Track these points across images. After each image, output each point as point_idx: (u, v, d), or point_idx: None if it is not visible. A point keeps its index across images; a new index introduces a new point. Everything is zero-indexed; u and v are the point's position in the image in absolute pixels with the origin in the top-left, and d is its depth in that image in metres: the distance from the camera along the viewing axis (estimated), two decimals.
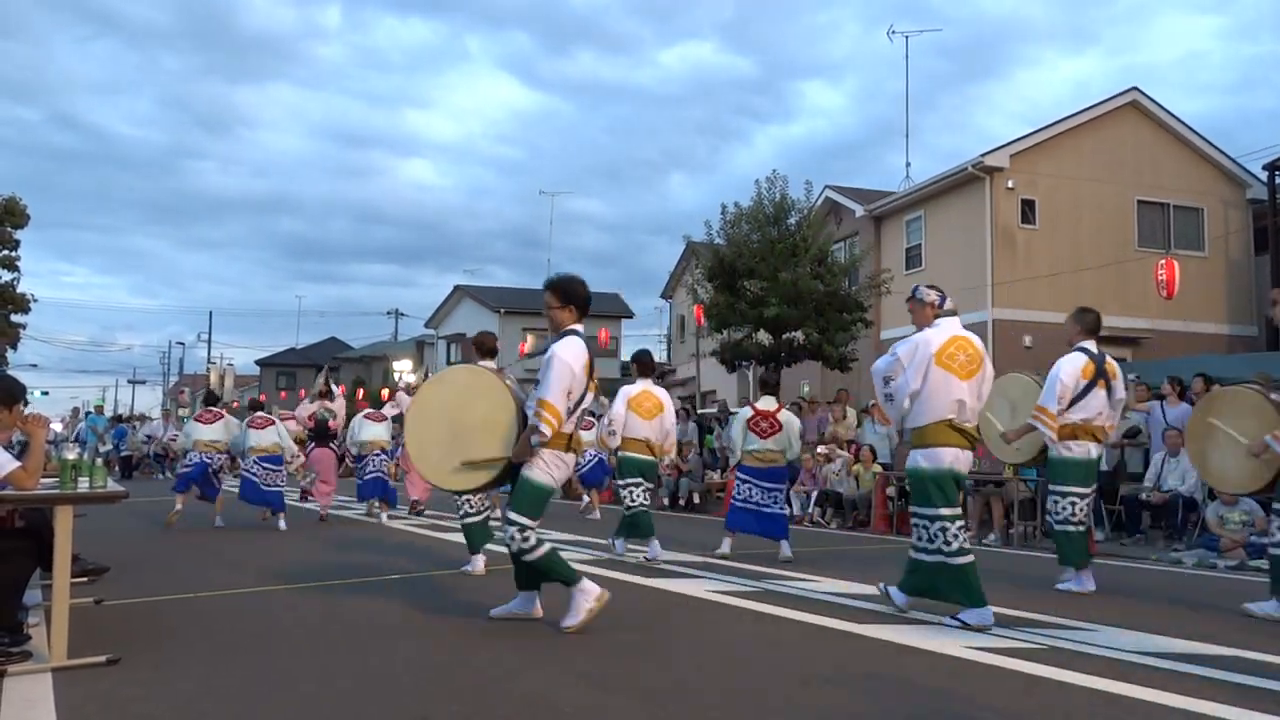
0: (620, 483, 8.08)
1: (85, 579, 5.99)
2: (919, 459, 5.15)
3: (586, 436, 10.94)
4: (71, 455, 4.31)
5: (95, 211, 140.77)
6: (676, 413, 17.98)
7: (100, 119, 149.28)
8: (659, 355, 38.23)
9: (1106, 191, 19.50)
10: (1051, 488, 6.62)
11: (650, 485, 8.09)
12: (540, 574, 4.85)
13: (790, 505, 12.74)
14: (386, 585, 6.31)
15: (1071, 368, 6.40)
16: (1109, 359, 6.58)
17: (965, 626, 4.84)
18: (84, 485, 4.31)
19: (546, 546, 4.75)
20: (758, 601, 5.66)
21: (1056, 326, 18.27)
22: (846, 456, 12.52)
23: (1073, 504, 6.40)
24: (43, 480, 4.35)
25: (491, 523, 6.98)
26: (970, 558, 5.01)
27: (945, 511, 5.03)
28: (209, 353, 50.49)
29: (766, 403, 8.48)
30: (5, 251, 26.92)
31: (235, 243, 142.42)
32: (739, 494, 8.33)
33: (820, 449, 13.02)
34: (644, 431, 7.91)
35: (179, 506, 10.77)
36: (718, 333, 19.31)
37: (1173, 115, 20.24)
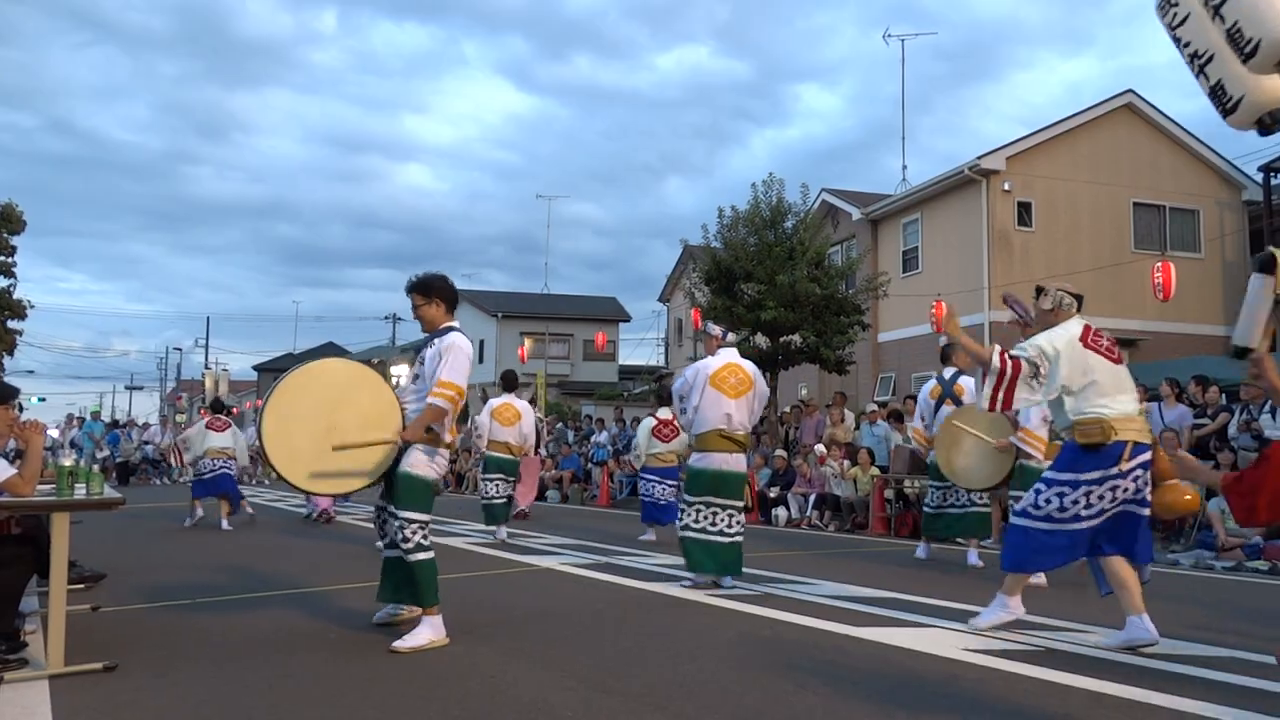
0: (483, 476, 9.90)
1: (82, 586, 5.99)
2: (697, 460, 6.40)
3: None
4: (68, 462, 4.31)
5: (92, 217, 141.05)
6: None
7: (96, 125, 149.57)
8: (656, 359, 38.32)
9: (1102, 194, 19.53)
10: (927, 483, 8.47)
11: (511, 479, 9.89)
12: (410, 581, 4.55)
13: (789, 508, 12.83)
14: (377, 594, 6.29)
15: (923, 393, 8.36)
16: (960, 381, 7.86)
17: (695, 586, 6.25)
18: (80, 492, 4.31)
19: (432, 554, 4.55)
20: (756, 604, 5.67)
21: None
22: (839, 464, 12.53)
23: (931, 493, 8.16)
24: (39, 487, 4.35)
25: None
26: (735, 540, 6.28)
27: (703, 502, 6.30)
28: (206, 358, 50.53)
29: (665, 413, 10.05)
30: (1, 257, 26.89)
31: (232, 248, 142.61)
32: (648, 492, 10.00)
33: (818, 448, 13.03)
34: (504, 436, 9.75)
35: (199, 513, 11.32)
36: None
37: (1168, 117, 20.28)
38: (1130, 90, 20.15)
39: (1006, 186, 18.94)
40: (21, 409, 4.83)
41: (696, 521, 6.31)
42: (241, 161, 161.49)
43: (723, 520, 6.29)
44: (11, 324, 27.38)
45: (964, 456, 7.52)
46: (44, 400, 42.44)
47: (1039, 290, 4.87)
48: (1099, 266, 18.67)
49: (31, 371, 45.74)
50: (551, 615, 5.42)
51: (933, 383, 8.20)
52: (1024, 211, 19.16)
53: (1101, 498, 4.43)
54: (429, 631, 4.44)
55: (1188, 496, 4.76)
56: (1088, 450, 4.46)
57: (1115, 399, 4.47)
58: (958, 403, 7.82)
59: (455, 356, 4.61)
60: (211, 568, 7.50)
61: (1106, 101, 19.99)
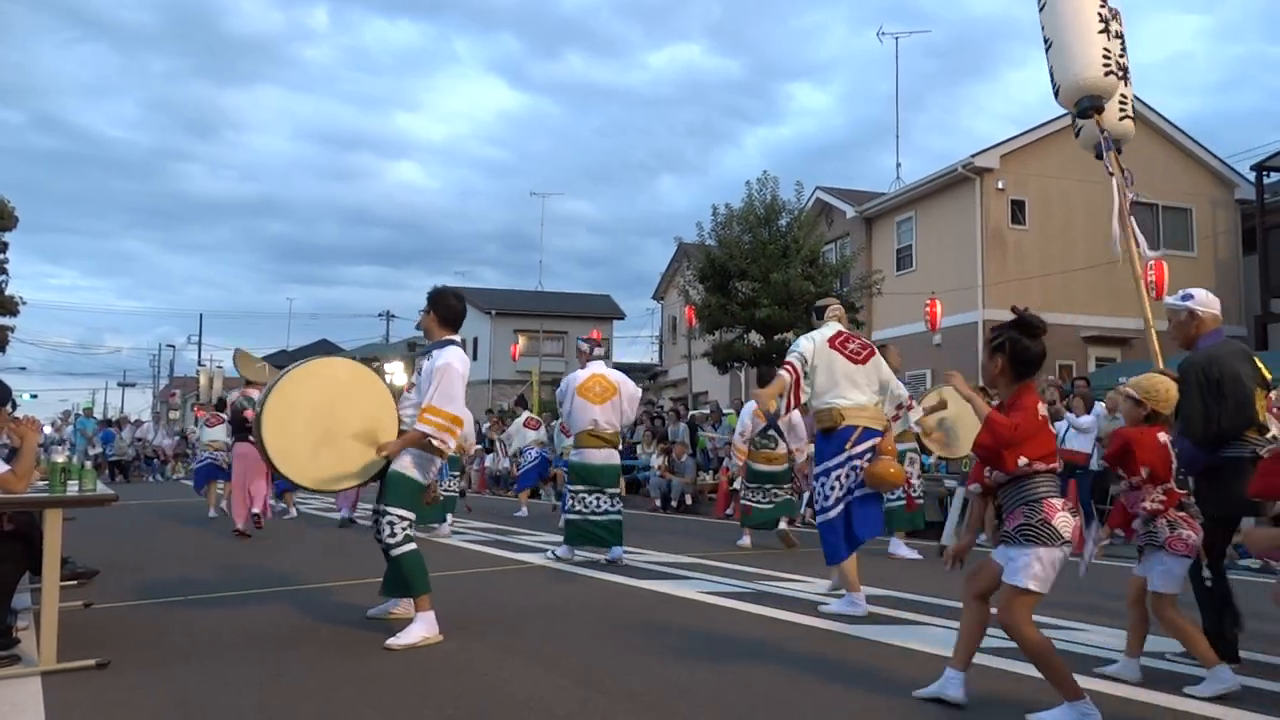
0: None
1: (74, 582, 5.96)
2: (573, 456, 7.90)
3: (531, 435, 14.37)
4: (61, 458, 4.29)
5: (83, 214, 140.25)
6: (668, 414, 18.17)
7: (87, 122, 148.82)
8: (651, 357, 38.30)
9: (1096, 192, 19.40)
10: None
11: (454, 475, 11.12)
12: (398, 575, 4.66)
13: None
14: (379, 588, 6.28)
15: (746, 412, 9.67)
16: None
17: (558, 559, 7.60)
18: (73, 488, 4.29)
19: (414, 546, 4.64)
20: (750, 603, 5.67)
21: (1048, 328, 18.46)
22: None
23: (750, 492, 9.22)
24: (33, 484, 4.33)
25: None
26: (613, 518, 7.61)
27: (582, 489, 7.63)
28: (199, 355, 50.32)
29: None
30: None
31: (225, 245, 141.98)
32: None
33: (811, 447, 13.00)
34: None
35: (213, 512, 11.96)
36: (709, 334, 19.34)
37: (1161, 116, 20.32)
38: None
39: (1000, 185, 18.97)
40: (15, 406, 4.80)
41: (574, 506, 7.66)
42: (233, 159, 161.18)
43: (605, 502, 7.64)
44: (3, 320, 27.25)
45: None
46: (36, 397, 42.16)
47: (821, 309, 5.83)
48: (1092, 265, 18.70)
49: (24, 368, 45.59)
50: (546, 613, 5.42)
51: (754, 404, 8.81)
52: (1018, 209, 19.19)
53: (845, 478, 5.22)
54: (422, 629, 4.48)
55: (893, 470, 5.27)
56: (825, 436, 5.31)
57: (848, 393, 5.28)
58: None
59: (446, 380, 4.58)
60: (204, 564, 7.48)
61: None
